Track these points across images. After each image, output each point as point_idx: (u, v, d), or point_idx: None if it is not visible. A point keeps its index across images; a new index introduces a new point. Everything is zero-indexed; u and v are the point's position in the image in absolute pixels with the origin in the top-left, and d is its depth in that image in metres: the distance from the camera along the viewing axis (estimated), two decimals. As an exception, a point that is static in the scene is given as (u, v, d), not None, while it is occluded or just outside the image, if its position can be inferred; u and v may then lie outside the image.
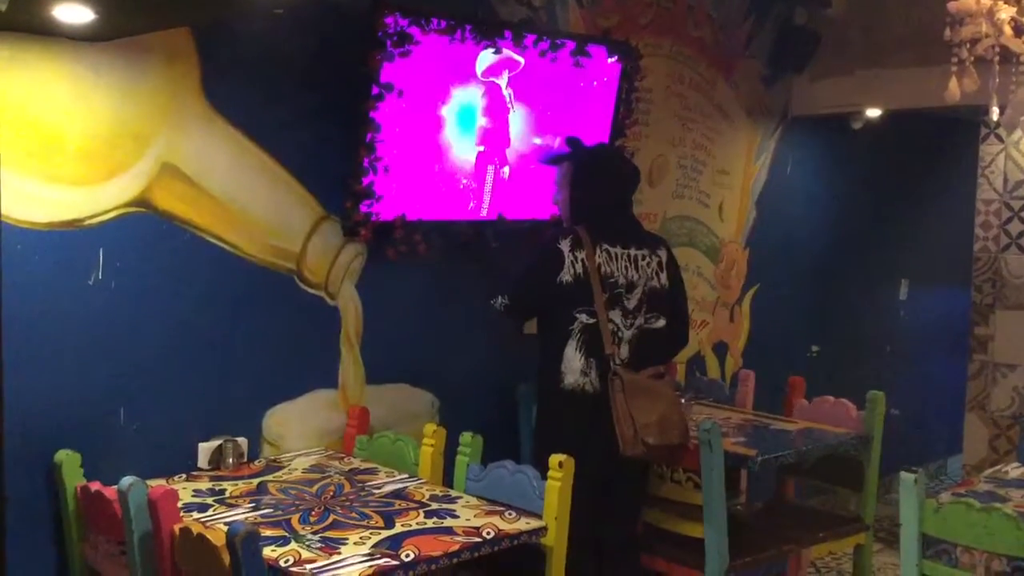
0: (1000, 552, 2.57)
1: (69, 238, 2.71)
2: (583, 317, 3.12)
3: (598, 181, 3.27)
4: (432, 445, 3.04)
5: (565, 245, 3.13)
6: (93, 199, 2.75)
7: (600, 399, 3.10)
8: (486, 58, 3.36)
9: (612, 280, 3.14)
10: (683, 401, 3.30)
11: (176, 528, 2.29)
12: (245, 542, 2.06)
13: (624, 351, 3.14)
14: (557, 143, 3.58)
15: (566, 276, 3.11)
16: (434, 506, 2.66)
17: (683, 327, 3.39)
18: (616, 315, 3.14)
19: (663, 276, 3.24)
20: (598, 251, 3.14)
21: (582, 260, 3.11)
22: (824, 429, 3.59)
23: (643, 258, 3.20)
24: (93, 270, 2.77)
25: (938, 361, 5.89)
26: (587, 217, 3.22)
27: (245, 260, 3.06)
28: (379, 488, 2.81)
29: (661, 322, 3.22)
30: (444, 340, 3.57)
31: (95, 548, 2.66)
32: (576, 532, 2.76)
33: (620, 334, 3.14)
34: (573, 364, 3.12)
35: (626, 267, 3.16)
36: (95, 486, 2.58)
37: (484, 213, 3.55)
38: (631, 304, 3.16)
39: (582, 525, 2.85)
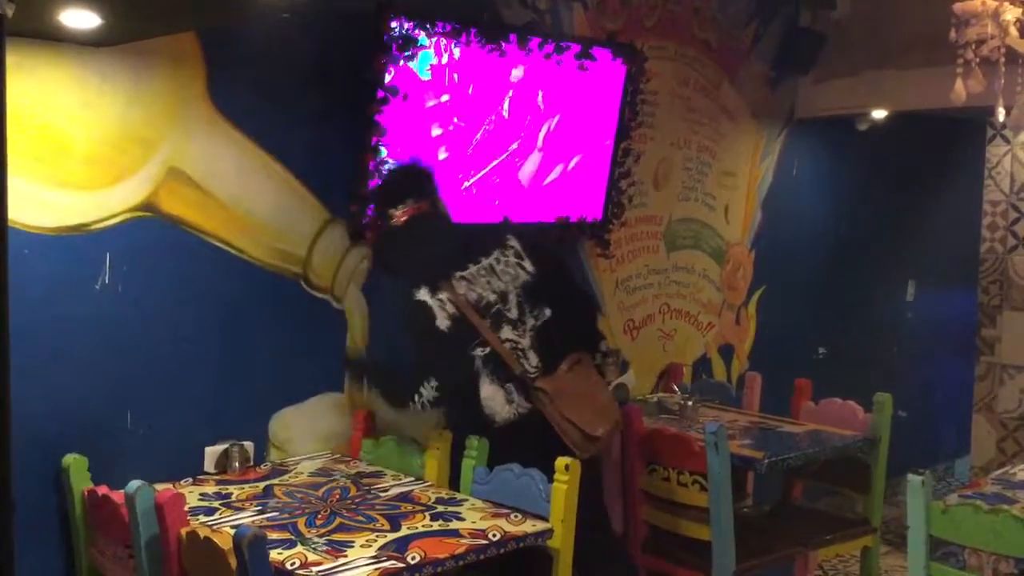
0: (1008, 554, 2.56)
1: (76, 242, 2.72)
2: (478, 351, 2.99)
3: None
4: (438, 448, 3.04)
5: (424, 293, 2.97)
6: (100, 204, 2.76)
7: (536, 415, 2.99)
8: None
9: (484, 303, 3.00)
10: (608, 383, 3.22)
11: (183, 532, 2.29)
12: (252, 545, 2.07)
13: (532, 360, 3.02)
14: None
15: (443, 323, 2.96)
16: (440, 509, 2.66)
17: (571, 295, 3.25)
18: (507, 332, 3.01)
19: (527, 264, 3.07)
20: (455, 282, 2.98)
21: (447, 299, 2.96)
22: (831, 431, 3.58)
23: (498, 261, 3.05)
24: (100, 274, 2.78)
25: (945, 362, 5.87)
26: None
27: (251, 264, 3.07)
28: (385, 491, 2.81)
29: (548, 311, 3.06)
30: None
31: (102, 552, 2.67)
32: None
33: (519, 346, 3.02)
34: (496, 401, 2.98)
35: (487, 280, 3.01)
36: (102, 490, 2.58)
37: (490, 216, 3.55)
38: (513, 313, 3.03)
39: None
